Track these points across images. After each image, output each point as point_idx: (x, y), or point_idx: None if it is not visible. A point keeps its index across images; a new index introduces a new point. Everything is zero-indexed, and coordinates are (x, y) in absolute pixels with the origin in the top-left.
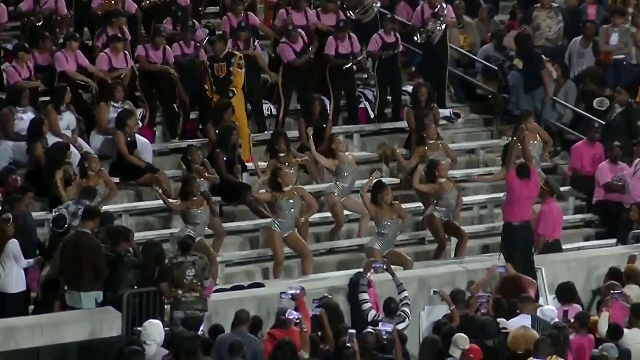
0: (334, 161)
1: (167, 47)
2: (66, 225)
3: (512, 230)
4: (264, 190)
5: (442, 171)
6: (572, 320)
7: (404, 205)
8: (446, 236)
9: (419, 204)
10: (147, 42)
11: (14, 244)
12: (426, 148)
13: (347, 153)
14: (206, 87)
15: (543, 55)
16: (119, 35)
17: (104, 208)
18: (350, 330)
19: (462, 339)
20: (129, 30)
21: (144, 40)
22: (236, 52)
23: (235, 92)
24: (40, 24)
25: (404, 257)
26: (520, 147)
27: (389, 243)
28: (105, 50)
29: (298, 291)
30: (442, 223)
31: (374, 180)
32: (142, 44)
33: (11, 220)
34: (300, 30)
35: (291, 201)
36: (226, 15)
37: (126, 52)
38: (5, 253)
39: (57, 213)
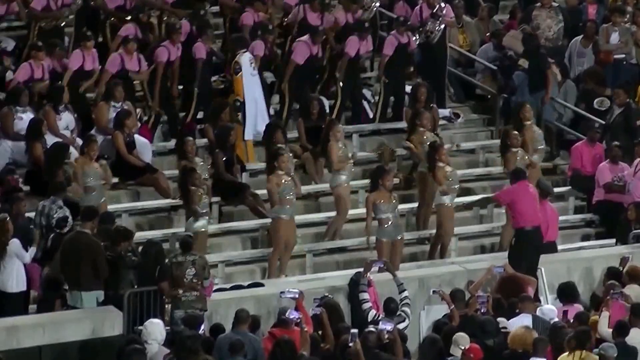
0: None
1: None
2: (67, 227)
3: (525, 235)
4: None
5: (442, 155)
6: (571, 320)
7: (404, 206)
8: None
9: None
10: (163, 41)
11: (15, 244)
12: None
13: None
14: (222, 85)
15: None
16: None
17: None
18: (353, 330)
19: (462, 338)
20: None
21: (159, 40)
22: (237, 56)
23: (241, 100)
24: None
25: (396, 256)
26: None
27: (394, 228)
28: (119, 52)
29: (297, 295)
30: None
31: None
32: (159, 44)
33: (8, 218)
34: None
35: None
36: (246, 10)
37: (140, 55)
38: (7, 253)
39: (61, 215)
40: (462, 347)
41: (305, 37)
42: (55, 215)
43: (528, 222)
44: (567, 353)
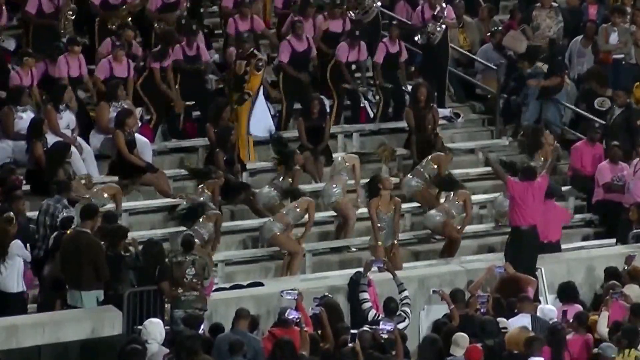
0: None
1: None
2: (73, 227)
3: (520, 234)
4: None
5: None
6: (571, 319)
7: (404, 205)
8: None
9: (419, 204)
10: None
11: (17, 245)
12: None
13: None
14: (221, 85)
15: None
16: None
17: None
18: (353, 331)
19: (462, 338)
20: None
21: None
22: (257, 53)
23: (251, 94)
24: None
25: (396, 258)
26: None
27: (389, 235)
28: (108, 57)
29: (296, 297)
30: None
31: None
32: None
33: (14, 220)
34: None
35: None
36: (232, 18)
37: (129, 60)
38: (9, 253)
39: (66, 215)
40: (463, 347)
41: (289, 36)
42: (60, 215)
43: (524, 221)
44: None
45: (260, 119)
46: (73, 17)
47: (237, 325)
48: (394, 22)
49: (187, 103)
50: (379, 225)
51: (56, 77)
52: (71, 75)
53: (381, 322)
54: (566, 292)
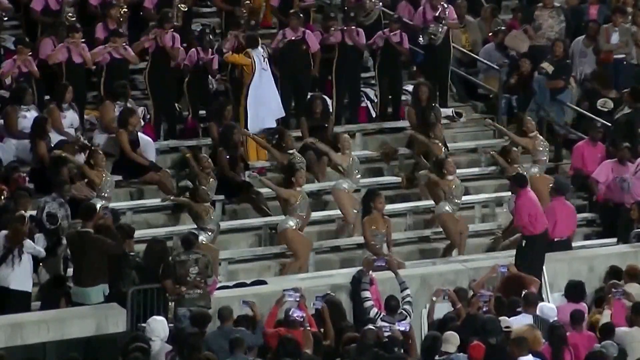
0: (346, 158)
1: (175, 34)
2: (59, 223)
3: (534, 241)
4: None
5: (450, 168)
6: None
7: (404, 205)
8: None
9: (420, 203)
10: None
11: (28, 243)
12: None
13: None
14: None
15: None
16: (120, 30)
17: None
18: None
19: (452, 336)
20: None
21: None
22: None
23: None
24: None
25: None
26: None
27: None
28: (106, 45)
29: (298, 299)
30: (454, 220)
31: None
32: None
33: (26, 219)
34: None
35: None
36: None
37: (127, 47)
38: (24, 252)
39: (47, 211)
40: (455, 345)
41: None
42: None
43: (538, 229)
44: None
45: (258, 113)
46: (73, 19)
47: (223, 323)
48: (395, 16)
49: None
50: (372, 242)
51: (51, 63)
52: (74, 62)
53: (397, 323)
54: (574, 291)
